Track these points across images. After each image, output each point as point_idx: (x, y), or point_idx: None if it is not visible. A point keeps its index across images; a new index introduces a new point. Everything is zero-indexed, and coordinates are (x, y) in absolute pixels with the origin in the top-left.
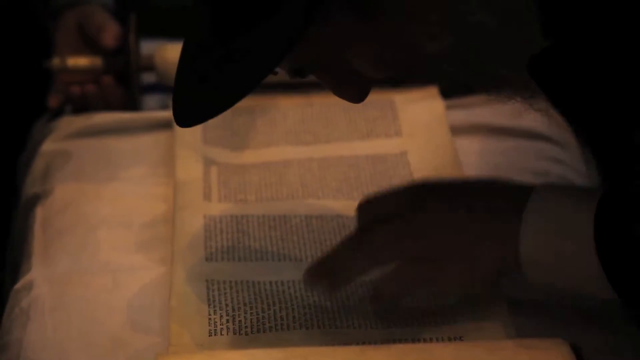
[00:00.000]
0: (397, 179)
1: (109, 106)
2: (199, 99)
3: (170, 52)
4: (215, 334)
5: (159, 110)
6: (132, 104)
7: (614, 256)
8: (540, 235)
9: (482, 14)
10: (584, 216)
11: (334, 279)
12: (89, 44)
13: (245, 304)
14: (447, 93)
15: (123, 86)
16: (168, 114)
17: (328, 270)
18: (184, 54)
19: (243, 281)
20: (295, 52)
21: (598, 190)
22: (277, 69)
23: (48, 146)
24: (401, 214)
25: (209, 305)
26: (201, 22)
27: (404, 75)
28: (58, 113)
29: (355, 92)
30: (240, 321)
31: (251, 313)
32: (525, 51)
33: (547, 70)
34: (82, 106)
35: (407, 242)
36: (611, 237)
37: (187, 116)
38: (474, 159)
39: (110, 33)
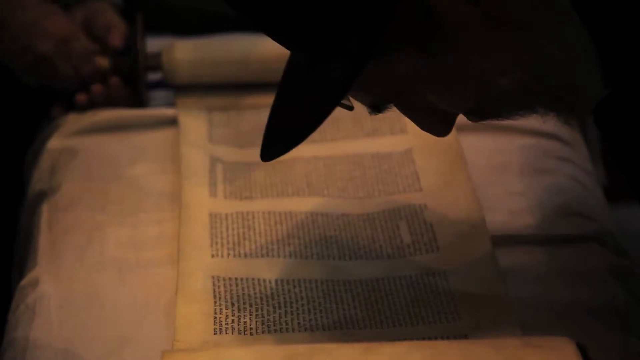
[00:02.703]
0: (402, 177)
1: (115, 106)
2: (273, 134)
3: (177, 52)
4: (220, 333)
5: (165, 108)
6: (138, 103)
7: None
8: None
9: (550, 48)
10: None
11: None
12: (96, 42)
13: (250, 305)
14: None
15: (130, 86)
16: (173, 111)
17: None
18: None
19: (249, 278)
20: (368, 86)
21: None
22: (351, 104)
23: (54, 143)
24: None
25: (215, 303)
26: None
27: (476, 110)
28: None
29: (437, 124)
30: (245, 322)
31: (256, 315)
32: (588, 84)
33: (611, 120)
34: (88, 105)
35: None
36: None
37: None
38: (479, 158)
39: (117, 33)
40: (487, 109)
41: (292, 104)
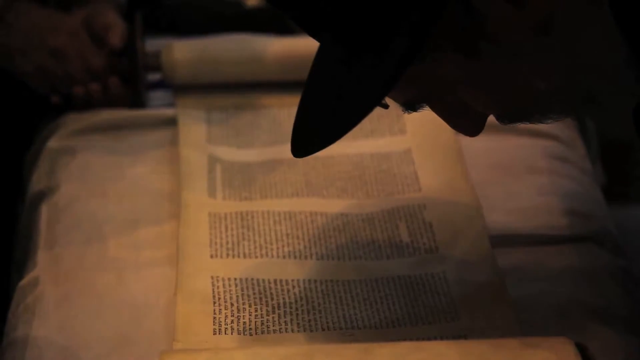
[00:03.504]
0: (401, 177)
1: (113, 106)
2: (306, 132)
3: (176, 52)
4: (219, 333)
5: (164, 108)
6: (137, 103)
7: None
8: None
9: (588, 53)
10: None
11: None
12: (96, 42)
13: (250, 305)
14: None
15: (128, 85)
16: (173, 111)
17: None
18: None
19: (248, 279)
20: (405, 85)
21: None
22: (386, 102)
23: (54, 143)
24: None
25: (214, 303)
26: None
27: (509, 112)
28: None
29: (468, 124)
30: (244, 322)
31: (256, 315)
32: (623, 87)
33: None
34: (86, 105)
35: None
36: None
37: (299, 148)
38: (478, 158)
39: (116, 33)
40: (521, 112)
41: (326, 99)
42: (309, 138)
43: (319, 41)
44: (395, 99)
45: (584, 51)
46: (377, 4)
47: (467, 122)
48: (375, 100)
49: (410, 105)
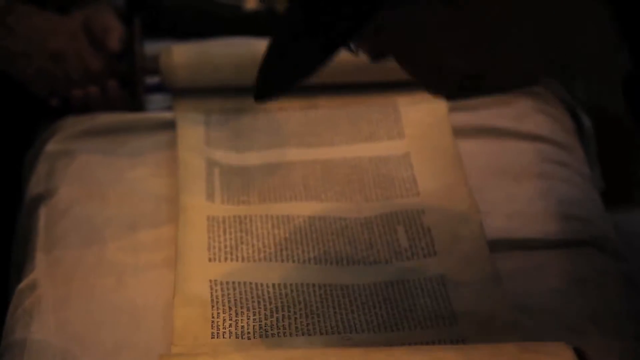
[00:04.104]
0: (399, 181)
1: (112, 109)
2: (279, 71)
3: (175, 56)
4: (217, 337)
5: (162, 111)
6: (135, 106)
7: None
8: None
9: (569, 17)
10: None
11: None
12: (95, 45)
13: (248, 309)
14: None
15: (127, 88)
16: (171, 115)
17: None
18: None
19: (246, 282)
20: (380, 33)
21: None
22: (355, 49)
23: (52, 146)
24: None
25: (212, 306)
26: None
27: (480, 72)
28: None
29: (439, 83)
30: (243, 326)
31: (254, 319)
32: (600, 55)
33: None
34: (84, 108)
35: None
36: None
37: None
38: (477, 162)
39: (115, 36)
40: (490, 72)
41: (291, 45)
42: (268, 85)
43: None
44: (362, 48)
45: (560, 11)
46: None
47: (437, 80)
48: (344, 37)
49: (378, 56)
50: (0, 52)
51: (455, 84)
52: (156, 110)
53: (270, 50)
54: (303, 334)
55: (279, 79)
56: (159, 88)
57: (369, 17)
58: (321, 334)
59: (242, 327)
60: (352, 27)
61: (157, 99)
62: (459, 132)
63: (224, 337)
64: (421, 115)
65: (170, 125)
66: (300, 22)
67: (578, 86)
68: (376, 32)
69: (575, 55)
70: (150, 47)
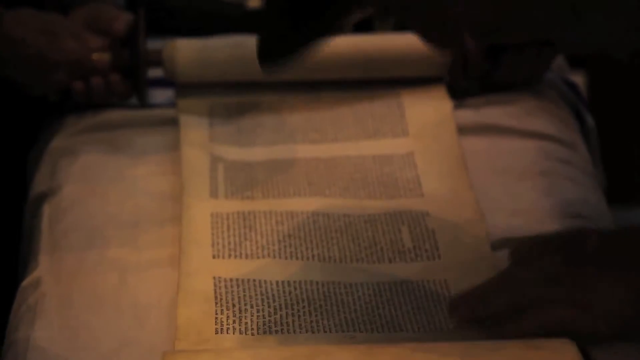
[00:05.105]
0: (403, 181)
1: (114, 100)
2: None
3: (178, 50)
4: (221, 332)
5: (165, 108)
6: (139, 99)
7: None
8: None
9: None
10: None
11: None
12: (99, 33)
13: (252, 306)
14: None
15: (129, 80)
16: (175, 111)
17: (469, 303)
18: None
19: (250, 279)
20: None
21: None
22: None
23: (56, 143)
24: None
25: (216, 303)
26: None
27: (486, 28)
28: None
29: (444, 37)
30: (246, 323)
31: (257, 316)
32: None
33: None
34: (87, 101)
35: (556, 288)
36: None
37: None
38: (481, 160)
39: (122, 20)
40: (496, 27)
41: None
42: (270, 49)
43: None
44: (374, 3)
45: None
46: None
47: (442, 35)
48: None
49: (385, 12)
50: None
51: (459, 40)
52: (159, 106)
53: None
54: (307, 331)
55: (284, 40)
56: (162, 82)
57: None
58: (325, 331)
59: (246, 323)
60: None
61: (160, 95)
62: (463, 130)
63: (227, 334)
64: (426, 113)
65: (174, 122)
66: None
67: (588, 28)
68: None
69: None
70: (153, 45)
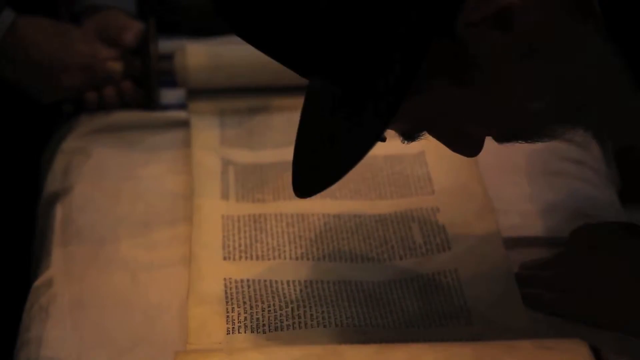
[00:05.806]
0: (414, 179)
1: (126, 107)
2: (318, 164)
3: (189, 56)
4: (233, 332)
5: (177, 110)
6: (151, 107)
7: None
8: None
9: (582, 71)
10: None
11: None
12: (110, 42)
13: (262, 302)
14: None
15: (141, 88)
16: (186, 113)
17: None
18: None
19: (260, 280)
20: (402, 118)
21: None
22: (384, 136)
23: (68, 144)
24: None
25: (227, 303)
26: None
27: (507, 133)
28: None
29: (467, 147)
30: (258, 319)
31: (269, 311)
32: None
33: None
34: (99, 107)
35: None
36: None
37: (302, 189)
38: (492, 159)
39: (132, 31)
40: (518, 132)
41: (323, 139)
42: (309, 178)
43: (309, 80)
44: (393, 129)
45: (573, 68)
46: (367, 45)
47: (466, 145)
48: (374, 138)
49: (409, 135)
50: (7, 80)
51: (482, 144)
52: (171, 108)
53: (306, 138)
54: (318, 325)
55: (325, 169)
56: (174, 83)
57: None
58: (336, 325)
59: (257, 319)
60: (394, 102)
61: (171, 97)
62: None
63: (239, 332)
64: None
65: (185, 123)
66: (338, 99)
67: (602, 129)
68: (404, 116)
69: (597, 101)
70: (165, 45)
